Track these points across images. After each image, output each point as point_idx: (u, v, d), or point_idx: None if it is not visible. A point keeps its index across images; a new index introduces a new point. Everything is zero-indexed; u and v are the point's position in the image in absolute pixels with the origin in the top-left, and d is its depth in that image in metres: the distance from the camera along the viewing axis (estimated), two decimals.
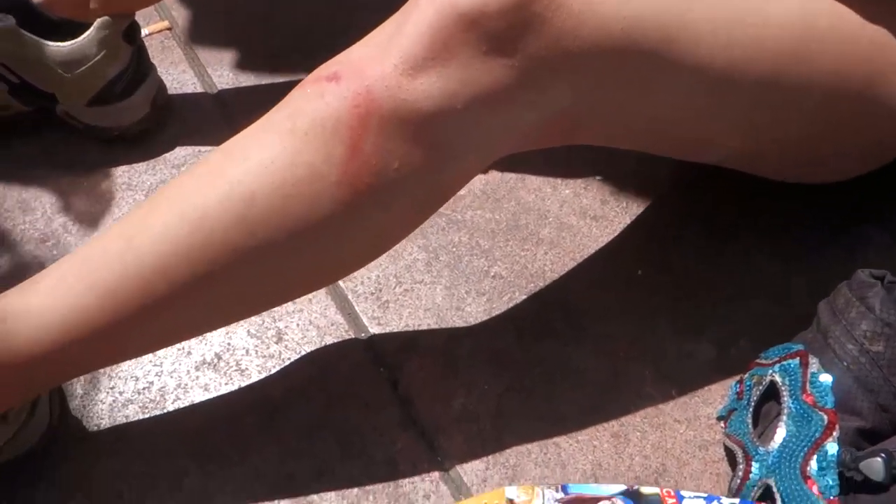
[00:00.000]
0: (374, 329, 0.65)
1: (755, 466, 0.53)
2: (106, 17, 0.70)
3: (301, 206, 0.47)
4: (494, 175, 0.76)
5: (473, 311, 0.66)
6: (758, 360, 0.59)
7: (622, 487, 0.51)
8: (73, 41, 0.70)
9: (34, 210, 0.73)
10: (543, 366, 0.63)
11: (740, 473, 0.53)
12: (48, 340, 0.48)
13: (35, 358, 0.48)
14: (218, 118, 0.81)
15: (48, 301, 0.47)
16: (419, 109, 0.46)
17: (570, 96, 0.49)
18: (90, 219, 0.72)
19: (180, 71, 0.85)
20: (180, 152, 0.78)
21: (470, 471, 0.58)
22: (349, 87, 0.46)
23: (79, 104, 0.74)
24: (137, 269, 0.47)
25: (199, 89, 0.84)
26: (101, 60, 0.71)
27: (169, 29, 0.89)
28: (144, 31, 0.88)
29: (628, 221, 0.73)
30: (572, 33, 0.46)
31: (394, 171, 0.47)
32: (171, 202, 0.48)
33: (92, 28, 0.70)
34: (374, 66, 0.46)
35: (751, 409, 0.56)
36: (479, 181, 0.76)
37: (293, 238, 0.47)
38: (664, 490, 0.51)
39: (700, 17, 0.49)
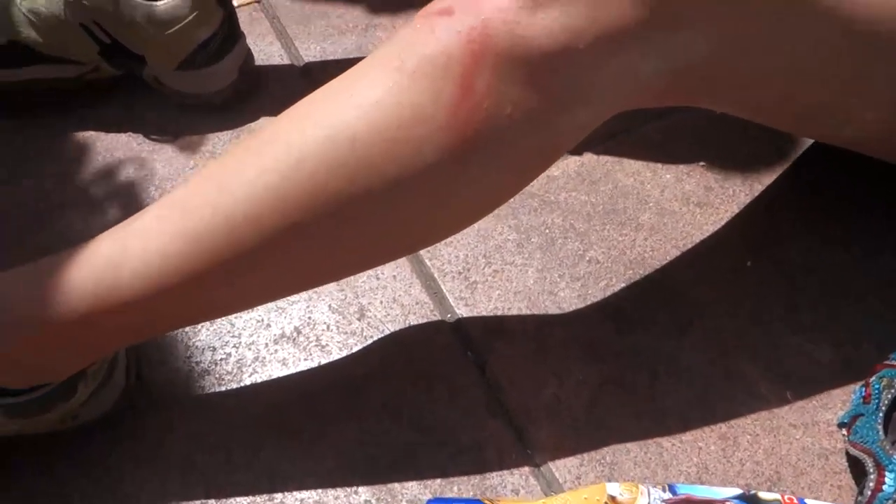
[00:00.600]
0: (462, 310, 0.62)
1: (889, 478, 0.47)
2: None
3: (404, 152, 0.43)
4: (590, 157, 0.72)
5: (567, 297, 0.62)
6: (886, 362, 0.53)
7: (737, 491, 0.46)
8: (165, 1, 0.68)
9: (117, 174, 0.72)
10: (643, 359, 0.58)
11: (871, 485, 0.48)
12: (138, 287, 0.45)
13: (126, 304, 0.45)
14: (304, 89, 0.77)
15: (138, 246, 0.45)
16: (539, 47, 0.42)
17: (703, 41, 0.44)
18: (171, 185, 0.71)
19: (267, 43, 0.83)
20: (264, 123, 0.75)
21: (562, 466, 0.53)
22: (463, 21, 0.42)
23: (167, 68, 0.72)
24: (227, 216, 0.44)
25: (286, 61, 0.81)
26: (192, 21, 0.69)
27: (258, 1, 0.87)
28: (234, 3, 0.86)
29: (735, 210, 0.67)
30: None
31: (506, 116, 0.43)
32: (267, 144, 0.45)
33: None
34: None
35: (881, 415, 0.50)
36: (573, 162, 0.71)
37: (393, 188, 0.44)
38: (785, 497, 0.46)
39: None
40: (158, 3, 0.68)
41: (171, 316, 0.48)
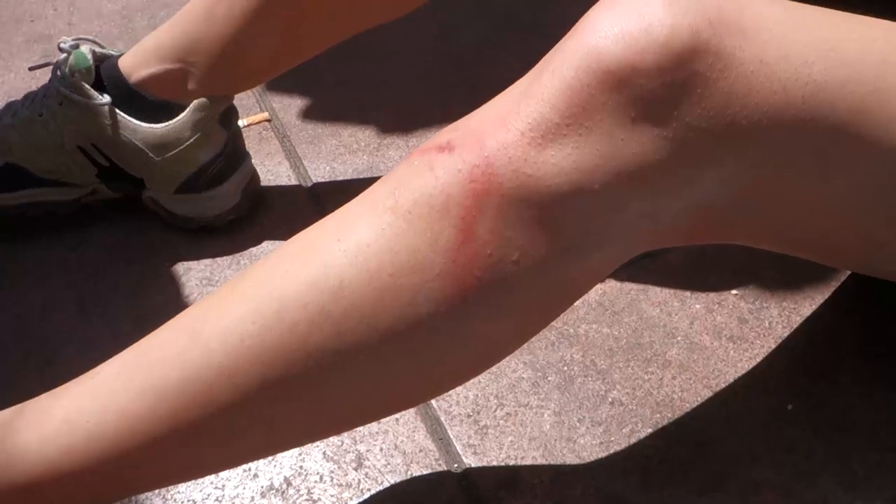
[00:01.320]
0: (470, 459, 0.55)
1: None
2: (203, 99, 0.66)
3: (397, 302, 0.39)
4: (612, 284, 0.67)
5: (587, 444, 0.56)
6: None
7: None
8: (167, 123, 0.66)
9: (109, 302, 0.68)
10: None
11: None
12: (95, 451, 0.40)
13: (81, 471, 0.40)
14: (311, 212, 0.75)
15: (94, 406, 0.40)
16: (548, 188, 0.38)
17: (732, 180, 0.40)
18: (165, 315, 0.66)
19: (276, 163, 0.81)
20: (267, 247, 0.72)
21: None
22: (465, 158, 0.38)
23: (166, 191, 0.70)
24: (199, 370, 0.39)
25: (294, 182, 0.79)
26: (193, 144, 0.67)
27: (268, 120, 0.85)
28: (243, 122, 0.84)
29: (772, 345, 0.61)
30: (742, 99, 0.37)
31: (511, 263, 0.38)
32: (247, 290, 0.41)
33: (187, 109, 0.66)
34: (497, 133, 0.38)
35: None
36: (594, 291, 0.66)
37: (386, 342, 0.39)
38: None
39: None
40: (157, 125, 0.66)
41: (132, 482, 0.43)
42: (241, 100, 0.87)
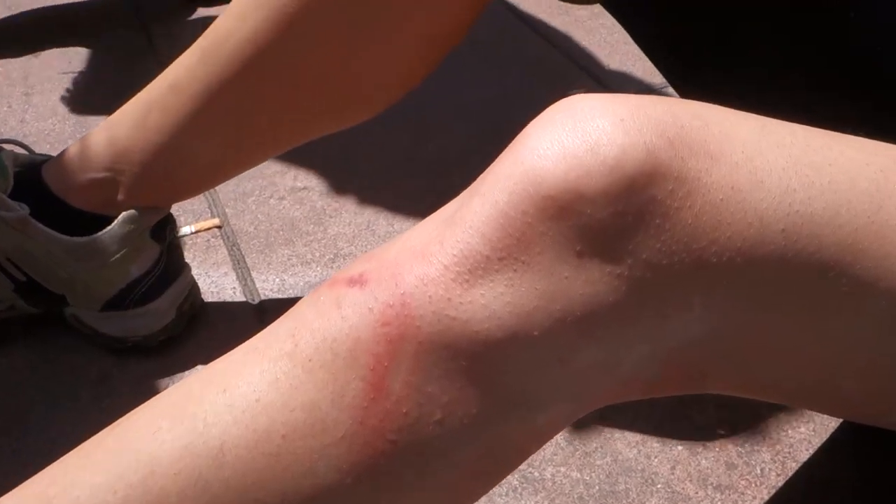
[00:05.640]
0: None
1: None
2: (132, 211, 0.60)
3: (291, 472, 0.31)
4: (583, 420, 0.59)
5: None
6: None
7: None
8: (90, 237, 0.60)
9: (23, 428, 0.60)
10: None
11: None
12: None
13: None
14: (256, 330, 0.68)
15: None
16: (476, 333, 0.31)
17: (701, 326, 0.33)
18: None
19: (221, 273, 0.75)
20: (202, 371, 0.65)
21: None
22: (377, 295, 0.32)
23: (91, 309, 0.63)
24: None
25: (240, 296, 0.72)
26: (120, 259, 0.61)
27: (219, 227, 0.79)
28: (190, 229, 0.79)
29: (765, 496, 0.54)
30: (710, 233, 0.31)
31: (434, 424, 0.31)
32: (111, 450, 0.34)
33: (115, 222, 0.60)
34: (415, 267, 0.32)
35: None
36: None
37: None
38: None
39: (892, 219, 0.34)
40: (81, 239, 0.60)
41: None
42: (193, 204, 0.82)
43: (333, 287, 0.33)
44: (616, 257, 0.31)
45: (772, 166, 0.32)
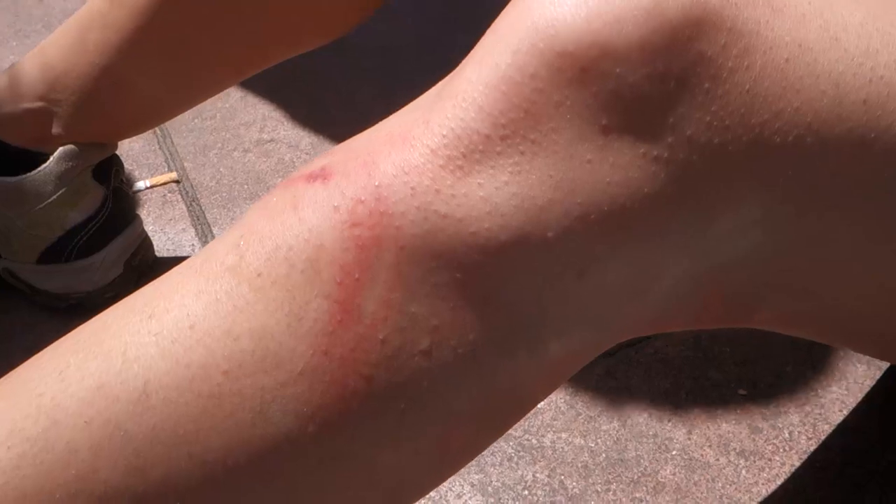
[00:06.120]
0: None
1: None
2: (71, 146, 0.53)
3: (235, 419, 0.24)
4: (586, 381, 0.53)
5: None
6: None
7: None
8: (23, 175, 0.52)
9: None
10: None
11: None
12: None
13: None
14: None
15: None
16: (473, 236, 0.24)
17: (761, 230, 0.26)
18: None
19: (179, 230, 0.67)
20: None
21: None
22: (344, 189, 0.25)
23: (25, 260, 0.55)
24: None
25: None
26: (57, 201, 0.53)
27: (176, 181, 0.72)
28: (144, 184, 0.71)
29: (795, 463, 0.47)
30: (772, 103, 0.24)
31: (419, 355, 0.25)
32: (7, 395, 0.26)
33: (51, 158, 0.52)
34: (394, 153, 0.25)
35: None
36: (564, 390, 0.52)
37: (216, 482, 0.24)
38: None
39: None
40: (11, 178, 0.52)
41: None
42: (148, 158, 0.74)
43: (289, 185, 0.26)
44: (653, 134, 0.24)
45: (847, 21, 0.26)
